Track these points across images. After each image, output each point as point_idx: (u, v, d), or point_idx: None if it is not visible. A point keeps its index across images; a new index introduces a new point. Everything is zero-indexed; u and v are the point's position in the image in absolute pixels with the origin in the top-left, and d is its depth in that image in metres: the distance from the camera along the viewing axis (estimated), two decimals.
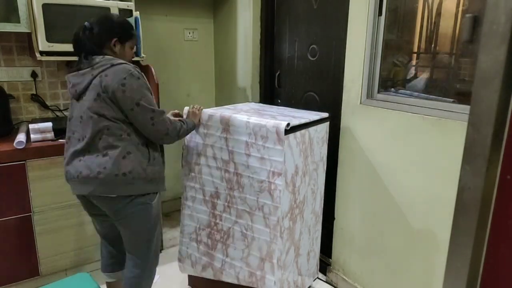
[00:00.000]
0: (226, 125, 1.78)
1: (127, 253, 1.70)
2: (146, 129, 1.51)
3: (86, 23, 1.52)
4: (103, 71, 1.47)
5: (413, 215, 1.77)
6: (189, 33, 3.05)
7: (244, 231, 1.81)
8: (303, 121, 1.79)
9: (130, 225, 1.60)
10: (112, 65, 1.47)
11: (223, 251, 1.90)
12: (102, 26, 1.52)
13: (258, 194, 1.72)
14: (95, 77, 1.47)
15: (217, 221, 1.91)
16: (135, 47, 1.70)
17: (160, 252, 2.57)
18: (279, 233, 1.69)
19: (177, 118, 1.76)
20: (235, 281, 1.88)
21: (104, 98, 1.46)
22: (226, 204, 1.86)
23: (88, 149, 1.50)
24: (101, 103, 1.47)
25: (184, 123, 1.69)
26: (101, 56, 1.50)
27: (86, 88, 1.49)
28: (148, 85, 1.54)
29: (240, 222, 1.82)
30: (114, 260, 1.83)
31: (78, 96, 1.52)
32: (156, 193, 1.64)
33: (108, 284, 1.88)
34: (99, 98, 1.46)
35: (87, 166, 1.49)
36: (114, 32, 1.54)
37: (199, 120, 1.87)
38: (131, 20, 2.23)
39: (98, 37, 1.51)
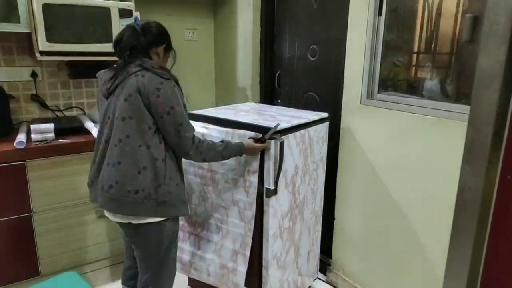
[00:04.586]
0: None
1: (138, 269, 1.63)
2: (171, 141, 1.43)
3: (137, 24, 1.51)
4: (140, 70, 1.40)
5: (413, 215, 1.77)
6: (189, 33, 3.05)
7: (220, 224, 1.82)
8: (295, 122, 1.79)
9: (140, 246, 1.54)
10: (152, 67, 1.41)
11: (195, 244, 1.92)
12: (156, 29, 1.50)
13: (233, 190, 1.72)
14: (130, 75, 1.39)
15: (192, 214, 1.92)
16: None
17: None
18: (253, 227, 1.70)
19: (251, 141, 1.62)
20: (204, 276, 1.89)
21: (135, 99, 1.37)
22: (201, 198, 1.88)
23: (105, 154, 1.43)
24: (130, 105, 1.38)
25: (224, 149, 1.52)
26: (141, 59, 1.44)
27: (117, 86, 1.42)
28: (183, 97, 1.46)
29: (215, 216, 1.83)
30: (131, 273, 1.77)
31: (108, 95, 1.45)
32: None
33: None
34: (130, 98, 1.38)
35: (102, 176, 1.44)
36: (164, 39, 1.52)
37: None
38: (131, 20, 2.23)
39: (149, 40, 1.47)
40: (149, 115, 1.39)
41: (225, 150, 1.52)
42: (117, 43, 1.47)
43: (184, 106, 1.45)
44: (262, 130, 1.62)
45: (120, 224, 1.53)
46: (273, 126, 1.61)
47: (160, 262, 1.57)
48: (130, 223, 1.46)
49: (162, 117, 1.38)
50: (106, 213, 1.52)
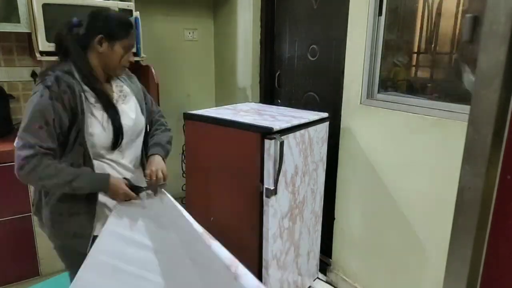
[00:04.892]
0: None
1: None
2: None
3: (74, 19, 1.26)
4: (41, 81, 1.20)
5: (413, 215, 1.77)
6: (189, 33, 3.05)
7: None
8: (295, 122, 1.79)
9: None
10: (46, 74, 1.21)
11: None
12: (88, 21, 1.26)
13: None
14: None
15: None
16: (132, 48, 1.35)
17: None
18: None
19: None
20: None
21: None
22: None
23: None
24: None
25: (76, 175, 1.19)
26: (61, 62, 1.26)
27: None
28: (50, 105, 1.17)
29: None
30: None
31: None
32: None
33: None
34: None
35: None
36: (100, 27, 1.25)
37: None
38: (131, 20, 2.22)
39: (83, 35, 1.25)
40: None
41: (77, 179, 1.19)
42: (55, 43, 1.32)
43: (52, 122, 1.17)
44: (261, 130, 1.62)
45: None
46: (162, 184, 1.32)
47: None
48: None
49: None
50: None
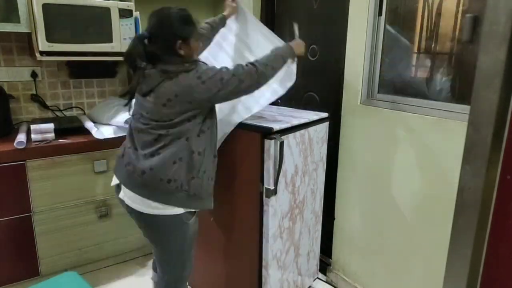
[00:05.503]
0: None
1: (157, 264, 1.60)
2: (242, 91, 1.45)
3: (145, 32, 1.39)
4: (174, 76, 1.35)
5: (413, 215, 1.77)
6: None
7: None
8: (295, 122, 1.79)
9: (160, 242, 1.50)
10: (184, 71, 1.36)
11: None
12: (162, 32, 1.39)
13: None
14: (164, 79, 1.35)
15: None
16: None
17: None
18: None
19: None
20: None
21: (175, 103, 1.34)
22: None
23: (139, 141, 1.43)
24: (170, 108, 1.35)
25: (275, 56, 1.54)
26: (170, 63, 1.38)
27: (151, 90, 1.37)
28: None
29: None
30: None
31: (143, 94, 1.41)
32: (195, 212, 1.51)
33: None
34: (169, 103, 1.34)
35: (137, 160, 1.41)
36: (177, 35, 1.40)
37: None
38: (131, 20, 2.23)
39: (163, 46, 1.38)
40: (189, 110, 1.37)
41: (281, 55, 1.57)
42: (127, 58, 1.42)
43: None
44: (261, 130, 1.61)
45: (136, 214, 1.47)
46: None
47: (183, 262, 1.55)
48: (149, 214, 1.43)
49: (219, 92, 1.38)
50: (127, 200, 1.46)
